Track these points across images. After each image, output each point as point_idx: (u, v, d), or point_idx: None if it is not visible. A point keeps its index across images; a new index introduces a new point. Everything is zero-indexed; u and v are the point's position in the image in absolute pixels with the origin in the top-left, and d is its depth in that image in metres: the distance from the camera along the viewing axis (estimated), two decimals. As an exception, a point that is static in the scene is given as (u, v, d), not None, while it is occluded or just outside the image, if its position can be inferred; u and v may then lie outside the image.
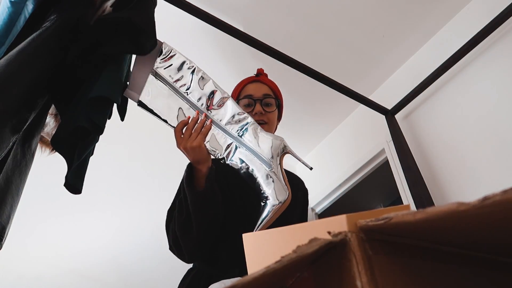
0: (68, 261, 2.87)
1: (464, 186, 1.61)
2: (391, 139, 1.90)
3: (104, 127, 1.03)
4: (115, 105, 1.13)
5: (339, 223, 0.32)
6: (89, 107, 0.93)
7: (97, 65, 0.99)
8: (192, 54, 2.03)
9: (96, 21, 0.98)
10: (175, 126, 0.95)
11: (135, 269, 3.01)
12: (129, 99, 1.20)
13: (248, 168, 0.91)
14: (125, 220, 2.80)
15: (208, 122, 0.94)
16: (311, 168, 0.98)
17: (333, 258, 0.31)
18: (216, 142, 0.95)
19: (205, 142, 0.93)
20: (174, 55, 0.99)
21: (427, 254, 0.34)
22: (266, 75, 1.27)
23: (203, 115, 0.94)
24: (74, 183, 1.02)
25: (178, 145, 0.94)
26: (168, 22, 1.74)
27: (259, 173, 0.90)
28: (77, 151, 1.02)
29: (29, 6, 0.95)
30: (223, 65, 2.05)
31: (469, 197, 1.48)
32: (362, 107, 2.20)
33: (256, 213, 0.99)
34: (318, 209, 2.50)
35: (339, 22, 1.90)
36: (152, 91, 0.97)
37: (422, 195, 1.55)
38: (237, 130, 0.95)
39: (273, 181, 0.88)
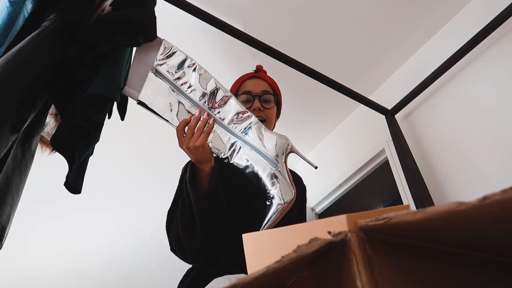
0: (68, 261, 2.87)
1: (464, 186, 1.61)
2: (391, 139, 1.90)
3: (102, 124, 1.02)
4: (115, 105, 1.13)
5: (339, 223, 0.32)
6: (86, 105, 0.93)
7: (97, 64, 0.99)
8: (192, 54, 2.03)
9: (95, 20, 0.98)
10: (177, 125, 0.93)
11: (135, 269, 3.01)
12: (129, 100, 1.19)
13: (253, 168, 0.90)
14: (125, 220, 2.80)
15: (210, 121, 0.92)
16: (316, 167, 0.98)
17: (333, 258, 0.31)
18: (220, 141, 0.94)
19: (208, 141, 0.91)
20: (175, 52, 0.96)
21: (427, 254, 0.34)
22: (265, 72, 1.27)
23: (206, 114, 0.92)
24: (74, 183, 1.02)
25: (181, 145, 0.92)
26: (168, 22, 1.74)
27: (264, 172, 0.89)
28: (77, 150, 1.01)
29: (28, 6, 0.95)
30: (223, 65, 2.05)
31: (469, 197, 1.48)
32: (362, 107, 2.20)
33: (256, 212, 0.99)
34: (318, 209, 2.50)
35: (339, 22, 1.90)
36: (152, 89, 0.94)
37: (422, 195, 1.55)
38: (241, 129, 0.93)
39: (278, 181, 0.87)
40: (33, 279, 2.87)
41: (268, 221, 0.87)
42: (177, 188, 1.07)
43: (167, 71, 0.95)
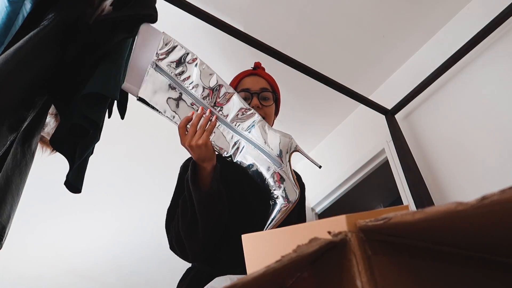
0: (68, 261, 2.88)
1: (464, 186, 1.61)
2: (391, 139, 1.90)
3: (100, 122, 1.02)
4: (115, 104, 1.13)
5: (339, 223, 0.32)
6: (83, 104, 0.93)
7: (96, 64, 0.99)
8: (192, 54, 2.04)
9: (97, 21, 0.98)
10: (178, 122, 0.90)
11: (135, 269, 3.01)
12: (129, 99, 1.19)
13: (257, 167, 0.88)
14: (125, 220, 2.80)
15: (213, 119, 0.89)
16: (320, 166, 0.97)
17: (333, 258, 0.31)
18: (223, 139, 0.91)
19: (210, 139, 0.89)
20: (176, 46, 0.92)
21: (427, 254, 0.34)
22: (263, 69, 1.26)
23: (208, 111, 0.90)
24: (74, 182, 1.02)
25: (183, 143, 0.89)
26: (168, 22, 1.74)
27: (268, 172, 0.87)
28: (78, 149, 1.01)
29: (27, 6, 0.95)
30: (223, 65, 2.05)
31: (469, 197, 1.48)
32: (362, 107, 2.20)
33: (257, 212, 0.99)
34: (318, 209, 2.50)
35: (339, 22, 1.90)
36: (152, 84, 0.91)
37: (422, 195, 1.55)
38: (244, 127, 0.91)
39: (283, 181, 0.86)
40: (33, 279, 2.87)
41: (271, 221, 0.86)
42: (176, 186, 1.05)
43: (168, 66, 0.91)
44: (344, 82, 1.81)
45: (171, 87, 0.91)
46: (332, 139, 2.55)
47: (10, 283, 2.85)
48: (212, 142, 0.90)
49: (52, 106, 1.02)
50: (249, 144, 0.90)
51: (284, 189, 0.86)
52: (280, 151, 0.89)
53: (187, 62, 0.92)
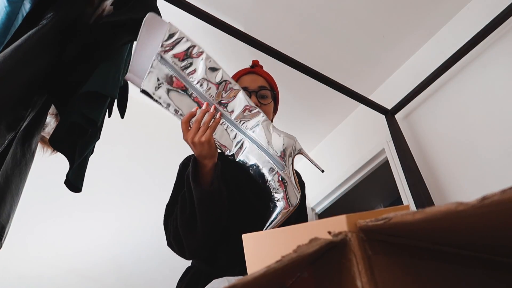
0: (68, 261, 2.87)
1: (464, 186, 1.61)
2: (391, 139, 1.90)
3: (99, 121, 1.02)
4: (115, 104, 1.14)
5: (339, 223, 0.32)
6: (82, 103, 0.93)
7: (96, 64, 0.99)
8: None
9: (99, 23, 0.97)
10: (182, 117, 0.88)
11: (135, 269, 3.01)
12: (129, 99, 1.19)
13: (259, 168, 0.87)
14: (125, 220, 2.80)
15: (217, 115, 0.87)
16: (322, 171, 0.96)
17: (333, 258, 0.31)
18: (226, 137, 0.89)
19: (213, 136, 0.87)
20: (182, 38, 0.88)
21: (427, 254, 0.34)
22: (261, 67, 1.25)
23: (213, 108, 0.87)
24: (74, 181, 1.02)
25: (185, 138, 0.87)
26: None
27: (271, 174, 0.86)
28: (77, 148, 1.01)
29: (27, 6, 0.95)
30: (223, 65, 2.04)
31: (469, 197, 1.48)
32: (362, 107, 2.20)
33: (256, 211, 0.98)
34: (318, 209, 2.50)
35: (339, 22, 1.90)
36: (156, 77, 0.87)
37: (422, 195, 1.55)
38: (248, 126, 0.89)
39: (285, 184, 0.85)
40: (33, 279, 2.87)
41: (271, 223, 0.85)
42: (175, 183, 1.05)
43: (173, 59, 0.87)
44: (344, 82, 1.80)
45: (176, 81, 0.88)
46: (332, 139, 2.55)
47: (10, 283, 2.85)
48: (215, 139, 0.88)
49: (52, 106, 1.02)
50: (252, 144, 0.88)
51: (286, 192, 0.85)
52: (283, 153, 0.87)
53: (193, 56, 0.88)
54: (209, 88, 0.88)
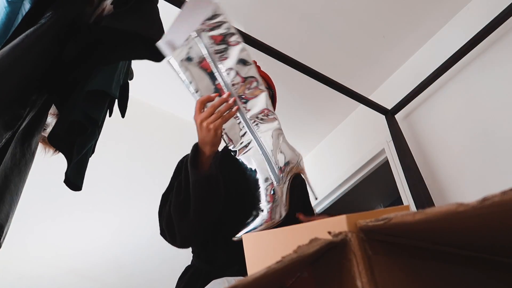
0: (68, 261, 2.87)
1: (463, 186, 1.61)
2: (391, 139, 1.90)
3: (99, 120, 1.02)
4: (116, 104, 1.13)
5: (339, 223, 0.32)
6: (85, 101, 0.93)
7: (95, 62, 1.00)
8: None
9: (100, 25, 0.97)
10: (198, 98, 0.86)
11: (136, 269, 3.01)
12: (129, 99, 1.19)
13: (256, 173, 0.86)
14: (125, 220, 2.80)
15: (234, 109, 0.85)
16: (316, 198, 0.95)
17: (334, 258, 0.31)
18: (235, 131, 0.87)
19: (222, 127, 0.86)
20: (224, 22, 0.86)
21: (427, 254, 0.34)
22: (259, 67, 1.26)
23: (232, 100, 0.85)
24: (74, 180, 1.02)
25: (195, 118, 0.86)
26: (168, 22, 1.74)
27: (264, 184, 0.84)
28: (75, 147, 1.01)
29: (26, 6, 0.95)
30: (223, 65, 2.05)
31: (469, 198, 1.48)
32: (362, 107, 2.20)
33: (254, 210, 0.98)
34: (318, 209, 2.50)
35: (339, 22, 1.90)
36: (187, 52, 0.85)
37: (422, 195, 1.55)
38: (261, 129, 0.87)
39: (274, 199, 0.83)
40: (33, 279, 2.86)
41: (250, 231, 0.83)
42: (173, 176, 1.06)
43: (209, 40, 0.85)
44: (344, 82, 1.80)
45: (205, 62, 0.85)
46: (332, 139, 2.55)
47: (10, 283, 2.85)
48: (223, 131, 0.86)
49: (53, 106, 1.02)
50: (258, 147, 0.87)
51: (272, 207, 0.83)
52: (284, 167, 0.85)
53: (230, 43, 0.86)
54: (235, 79, 0.86)
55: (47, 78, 0.92)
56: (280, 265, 0.28)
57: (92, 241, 2.83)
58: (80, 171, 1.05)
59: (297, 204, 0.95)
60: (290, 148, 0.88)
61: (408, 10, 1.86)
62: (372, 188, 2.79)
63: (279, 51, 1.58)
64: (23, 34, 0.87)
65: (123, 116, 1.13)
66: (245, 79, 0.86)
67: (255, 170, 0.86)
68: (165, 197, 1.00)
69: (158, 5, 1.17)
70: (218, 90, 0.86)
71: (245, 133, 0.88)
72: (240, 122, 0.87)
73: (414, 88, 1.87)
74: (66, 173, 1.01)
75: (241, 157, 0.88)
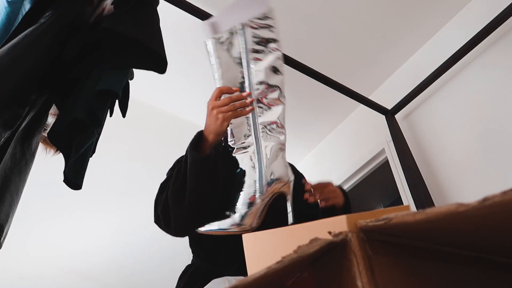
0: (68, 261, 2.87)
1: (464, 186, 1.61)
2: (391, 139, 1.90)
3: (103, 120, 1.03)
4: (116, 103, 1.14)
5: (340, 223, 0.32)
6: (93, 101, 0.93)
7: (95, 62, 1.00)
8: (193, 54, 2.04)
9: (100, 28, 0.97)
10: (219, 85, 0.87)
11: (135, 269, 3.01)
12: (129, 100, 1.19)
13: (244, 176, 0.86)
14: (125, 220, 2.80)
15: (248, 109, 0.86)
16: (291, 224, 0.93)
17: (334, 258, 0.31)
18: (241, 129, 0.87)
19: (231, 121, 0.86)
20: (272, 26, 0.88)
21: (427, 255, 0.34)
22: None
23: (250, 100, 0.86)
24: (73, 178, 1.02)
25: (209, 103, 0.87)
26: (168, 22, 1.74)
27: (248, 189, 0.84)
28: (74, 145, 1.02)
29: (27, 6, 0.95)
30: (223, 65, 2.05)
31: (468, 198, 1.48)
32: (362, 107, 2.20)
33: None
34: (318, 209, 2.50)
35: (339, 22, 1.90)
36: (226, 39, 0.87)
37: (422, 195, 1.55)
38: (265, 138, 0.87)
39: (251, 207, 0.82)
40: (33, 279, 2.87)
41: (214, 229, 0.83)
42: (172, 166, 1.08)
43: (251, 37, 0.87)
44: (344, 82, 1.80)
45: (239, 55, 0.87)
46: (332, 139, 2.55)
47: (10, 283, 2.85)
48: (231, 124, 0.87)
49: (54, 106, 1.02)
50: (255, 153, 0.87)
51: (245, 214, 0.82)
52: (271, 183, 0.84)
53: (270, 48, 0.88)
54: (260, 83, 0.87)
55: (47, 77, 0.92)
56: (280, 265, 0.27)
57: (92, 241, 2.83)
58: (80, 170, 1.05)
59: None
60: (285, 167, 0.87)
61: (408, 10, 1.86)
62: (372, 188, 2.79)
63: (279, 51, 1.58)
64: (23, 34, 0.87)
65: (124, 116, 1.13)
66: (269, 86, 0.87)
67: (244, 172, 0.86)
68: (163, 186, 1.01)
69: (158, 5, 1.17)
70: (241, 86, 0.87)
71: (249, 135, 0.88)
72: (249, 123, 0.88)
73: (414, 88, 1.87)
74: (64, 172, 1.01)
75: (236, 155, 0.88)
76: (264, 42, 0.87)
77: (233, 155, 0.89)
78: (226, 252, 0.95)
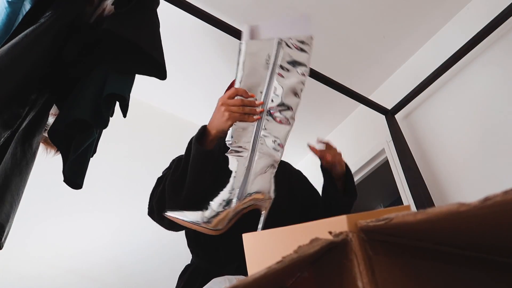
0: (68, 261, 2.87)
1: (464, 186, 1.61)
2: (391, 139, 1.90)
3: (108, 121, 1.03)
4: (117, 103, 1.14)
5: (340, 223, 0.32)
6: (105, 104, 0.94)
7: (96, 62, 1.00)
8: (192, 54, 2.04)
9: (100, 29, 0.97)
10: (238, 86, 0.89)
11: (136, 269, 3.01)
12: (130, 100, 1.19)
13: (229, 178, 0.87)
14: (125, 220, 2.80)
15: (256, 117, 0.88)
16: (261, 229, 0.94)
17: (334, 258, 0.31)
18: (241, 134, 0.89)
19: (236, 123, 0.88)
20: (305, 52, 0.91)
21: (427, 255, 0.34)
22: None
23: (260, 110, 0.88)
24: (73, 178, 1.02)
25: (221, 98, 0.90)
26: (168, 22, 1.74)
27: (228, 190, 0.85)
28: (73, 145, 1.02)
29: (27, 6, 0.95)
30: (224, 65, 2.05)
31: (469, 198, 1.48)
32: (362, 107, 2.20)
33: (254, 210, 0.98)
34: (318, 209, 2.50)
35: (339, 22, 1.90)
36: (260, 48, 0.89)
37: (422, 195, 1.55)
38: (261, 149, 0.89)
39: (225, 209, 0.84)
40: (33, 279, 2.86)
41: (179, 218, 0.84)
42: (169, 165, 1.08)
43: (284, 54, 0.90)
44: (344, 82, 1.80)
45: (265, 66, 0.90)
46: (332, 139, 2.54)
47: (10, 283, 2.85)
48: (234, 126, 0.89)
49: (54, 107, 1.02)
50: (247, 161, 0.88)
51: (216, 213, 0.83)
52: (250, 196, 0.86)
53: (297, 71, 0.91)
54: (276, 98, 0.90)
55: (47, 77, 0.92)
56: (281, 265, 0.27)
57: (92, 241, 2.83)
58: (80, 170, 1.05)
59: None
60: (270, 183, 0.88)
61: (408, 10, 1.86)
62: (372, 188, 2.79)
63: (279, 51, 1.58)
64: (23, 33, 0.87)
65: (124, 115, 1.13)
66: (284, 104, 0.90)
67: (231, 176, 0.87)
68: (160, 180, 1.01)
69: (158, 6, 1.17)
70: (258, 94, 0.90)
71: (248, 142, 0.90)
72: (252, 131, 0.90)
73: (414, 88, 1.87)
74: (63, 171, 1.01)
75: (228, 155, 0.89)
76: (294, 63, 0.90)
77: (225, 154, 0.90)
78: (225, 251, 0.95)
